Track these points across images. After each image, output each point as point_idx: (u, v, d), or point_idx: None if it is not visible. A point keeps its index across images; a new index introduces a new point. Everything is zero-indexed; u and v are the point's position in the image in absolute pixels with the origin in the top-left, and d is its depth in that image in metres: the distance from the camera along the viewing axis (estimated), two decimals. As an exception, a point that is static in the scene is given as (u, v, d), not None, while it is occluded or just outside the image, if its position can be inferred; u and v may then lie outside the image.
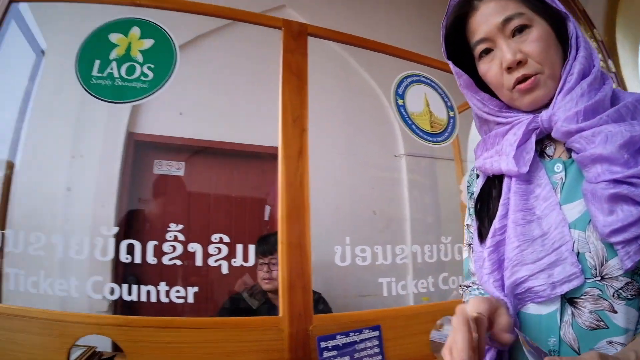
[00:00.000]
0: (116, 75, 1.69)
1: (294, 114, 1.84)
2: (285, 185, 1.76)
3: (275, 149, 1.83)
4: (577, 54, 0.82)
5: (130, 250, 1.59)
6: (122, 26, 1.79)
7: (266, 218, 3.15)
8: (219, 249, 1.66)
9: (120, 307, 1.91)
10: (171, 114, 2.94)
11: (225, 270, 1.66)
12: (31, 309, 1.55)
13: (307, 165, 1.81)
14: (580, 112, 0.77)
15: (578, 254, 0.75)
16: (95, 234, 1.59)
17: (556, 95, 0.82)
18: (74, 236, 1.59)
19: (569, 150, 0.82)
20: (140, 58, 1.74)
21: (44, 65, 2.37)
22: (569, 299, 0.76)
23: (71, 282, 1.60)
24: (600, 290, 0.74)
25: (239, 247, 1.69)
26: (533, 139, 0.85)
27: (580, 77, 0.81)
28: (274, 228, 1.82)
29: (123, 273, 1.81)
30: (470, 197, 1.02)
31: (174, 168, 2.87)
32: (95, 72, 1.69)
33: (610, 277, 0.73)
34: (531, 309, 0.80)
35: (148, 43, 1.76)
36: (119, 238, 1.61)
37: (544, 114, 0.83)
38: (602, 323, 0.73)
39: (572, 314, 0.76)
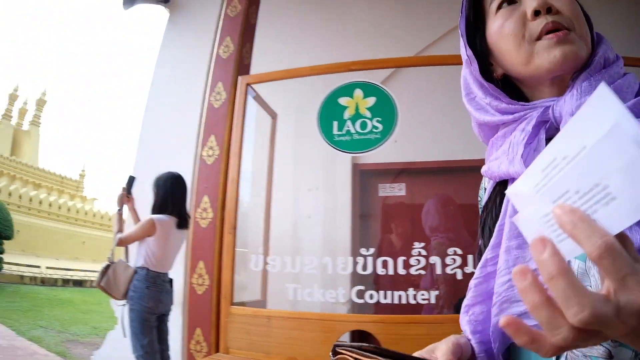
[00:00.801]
0: (353, 131, 2.27)
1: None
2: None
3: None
4: (598, 46, 0.73)
5: (385, 265, 2.10)
6: (347, 90, 2.37)
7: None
8: (454, 260, 2.08)
9: (375, 308, 2.42)
10: (387, 142, 3.39)
11: (459, 276, 2.07)
12: (306, 312, 2.22)
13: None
14: None
15: None
16: (355, 254, 2.13)
17: (574, 79, 0.71)
18: (339, 257, 2.15)
19: None
20: (368, 114, 2.31)
21: (279, 124, 3.07)
22: None
23: (339, 291, 2.14)
24: None
25: (470, 258, 2.12)
26: (542, 135, 0.73)
27: (602, 64, 0.71)
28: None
29: (377, 282, 2.31)
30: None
31: (396, 189, 3.29)
32: (335, 131, 2.30)
33: None
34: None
35: (371, 101, 2.31)
36: (375, 256, 2.12)
37: (557, 103, 0.71)
38: None
39: (566, 356, 0.65)
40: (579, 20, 0.71)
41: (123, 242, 3.32)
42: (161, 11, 5.26)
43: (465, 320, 0.77)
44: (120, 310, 3.33)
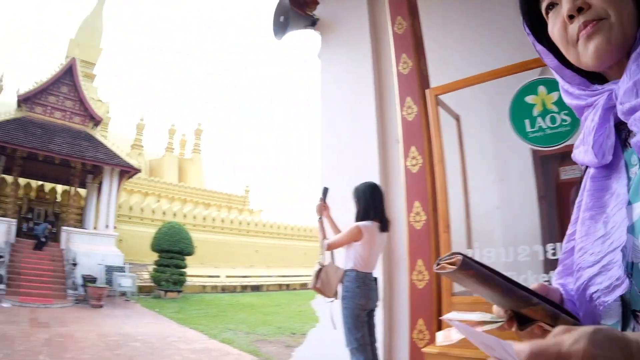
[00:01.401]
0: (544, 126, 2.45)
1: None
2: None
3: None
4: None
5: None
6: (531, 88, 2.55)
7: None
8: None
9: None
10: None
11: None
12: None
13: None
14: (639, 82, 0.64)
15: (632, 264, 0.64)
16: (547, 241, 2.35)
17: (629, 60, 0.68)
18: (549, 244, 2.34)
19: None
20: (555, 109, 2.46)
21: (463, 126, 3.33)
22: (633, 311, 0.64)
23: (551, 274, 2.34)
24: None
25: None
26: (611, 121, 0.72)
27: None
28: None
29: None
30: None
31: (577, 171, 3.31)
32: (528, 129, 2.49)
33: None
34: (605, 321, 0.70)
35: (556, 95, 2.46)
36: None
37: (616, 88, 0.69)
38: None
39: (634, 329, 0.64)
40: (614, 4, 0.67)
41: (331, 247, 3.66)
42: (313, 35, 5.68)
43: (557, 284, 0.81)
44: (329, 306, 3.65)
